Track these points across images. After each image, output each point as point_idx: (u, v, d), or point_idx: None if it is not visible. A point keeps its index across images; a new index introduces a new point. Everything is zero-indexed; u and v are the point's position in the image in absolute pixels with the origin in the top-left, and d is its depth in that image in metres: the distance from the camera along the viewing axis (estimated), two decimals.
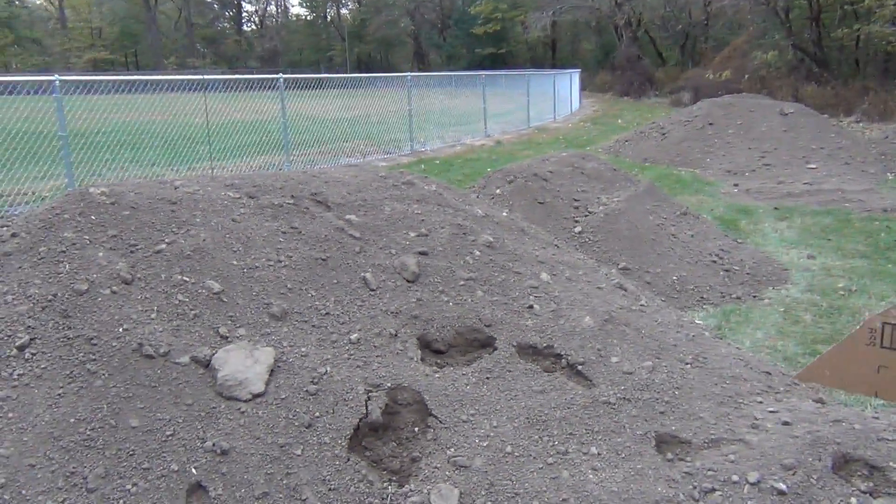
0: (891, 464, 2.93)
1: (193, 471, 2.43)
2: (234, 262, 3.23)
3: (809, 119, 15.28)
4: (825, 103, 22.12)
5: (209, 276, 3.11)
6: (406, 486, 2.63)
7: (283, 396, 2.73)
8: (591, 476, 2.77)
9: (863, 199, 10.35)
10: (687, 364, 3.63)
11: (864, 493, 2.78)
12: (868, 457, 2.95)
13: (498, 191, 7.20)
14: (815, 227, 8.76)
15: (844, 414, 3.59)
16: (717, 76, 30.70)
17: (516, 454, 2.81)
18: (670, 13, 43.70)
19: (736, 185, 12.18)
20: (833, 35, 26.87)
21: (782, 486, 2.71)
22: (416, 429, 2.88)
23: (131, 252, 3.12)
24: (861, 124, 21.08)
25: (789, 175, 12.61)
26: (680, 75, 37.12)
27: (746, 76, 29.45)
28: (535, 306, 3.69)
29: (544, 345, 3.45)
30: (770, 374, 3.91)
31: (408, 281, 3.56)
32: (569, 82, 31.33)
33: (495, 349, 3.37)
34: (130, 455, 2.43)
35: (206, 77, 11.89)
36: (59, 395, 2.54)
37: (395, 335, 3.24)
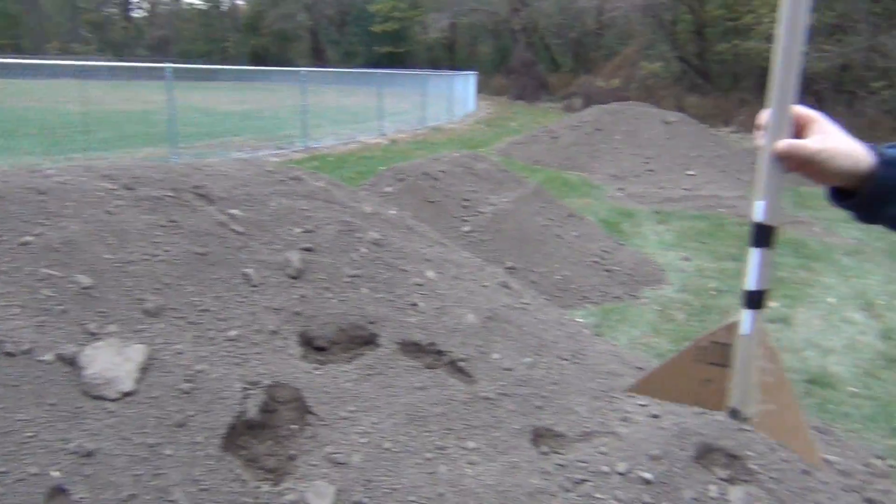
0: (748, 452, 3.12)
1: (55, 473, 2.32)
2: (107, 256, 3.10)
3: (690, 128, 16.03)
4: (706, 113, 23.25)
5: (79, 270, 2.98)
6: (282, 484, 2.60)
7: (155, 395, 2.64)
8: (468, 470, 2.82)
9: (736, 206, 10.95)
10: (565, 360, 3.75)
11: (723, 480, 2.95)
12: (728, 446, 3.13)
13: (388, 189, 7.20)
14: (692, 231, 9.20)
15: None
16: (607, 83, 31.77)
17: (395, 450, 2.83)
18: (565, 21, 44.87)
19: (620, 189, 12.64)
20: (715, 49, 28.28)
21: (648, 476, 2.83)
22: (295, 426, 2.85)
23: None
24: (738, 134, 22.30)
25: (670, 181, 13.19)
26: (572, 81, 38.17)
27: (634, 85, 30.61)
28: (419, 304, 3.72)
29: (427, 342, 3.48)
30: (643, 369, 4.08)
31: (291, 277, 3.52)
32: (465, 84, 31.67)
33: (378, 346, 3.37)
34: None
35: (85, 63, 11.36)
36: None
37: (276, 332, 3.20)
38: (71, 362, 2.63)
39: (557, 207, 7.87)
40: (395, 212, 5.21)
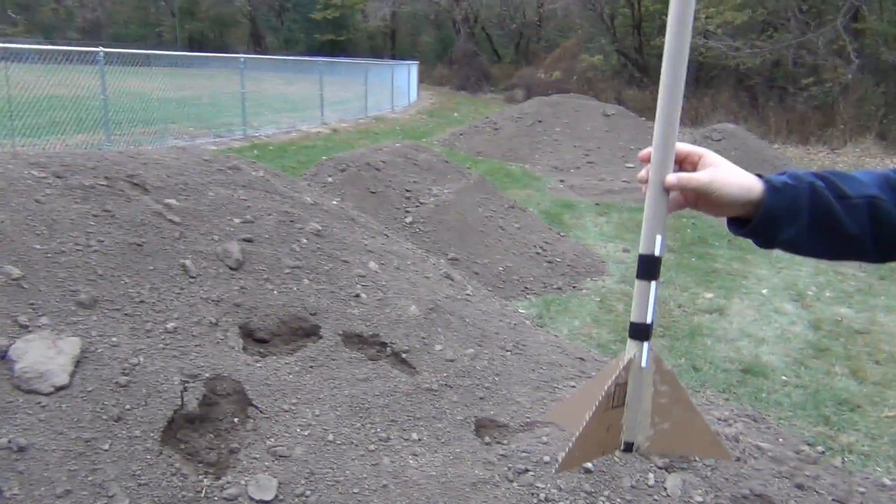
0: None
1: None
2: (37, 247, 3.00)
3: (629, 121, 16.30)
4: (644, 106, 23.66)
5: (7, 260, 2.88)
6: (223, 478, 2.56)
7: (90, 389, 2.57)
8: (411, 461, 2.83)
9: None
10: (507, 351, 3.78)
11: (661, 468, 3.02)
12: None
13: (330, 179, 7.14)
14: (631, 223, 9.36)
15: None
16: (548, 75, 32.07)
17: (338, 442, 2.81)
18: (506, 12, 45.09)
19: (562, 181, 12.78)
20: (653, 43, 28.82)
21: (589, 465, 2.88)
22: (236, 419, 2.81)
23: None
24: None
25: (610, 173, 13.39)
26: (514, 73, 38.41)
27: (575, 77, 30.97)
28: (361, 295, 3.70)
29: (370, 333, 3.47)
30: (584, 360, 4.15)
31: (231, 268, 3.46)
32: (407, 74, 31.56)
33: (320, 338, 3.35)
34: None
35: (10, 46, 10.94)
36: None
37: (216, 324, 3.14)
38: (1, 356, 2.54)
39: (499, 199, 7.91)
40: (336, 202, 5.17)
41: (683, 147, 1.19)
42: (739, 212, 1.19)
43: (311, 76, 21.96)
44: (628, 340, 1.20)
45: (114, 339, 2.80)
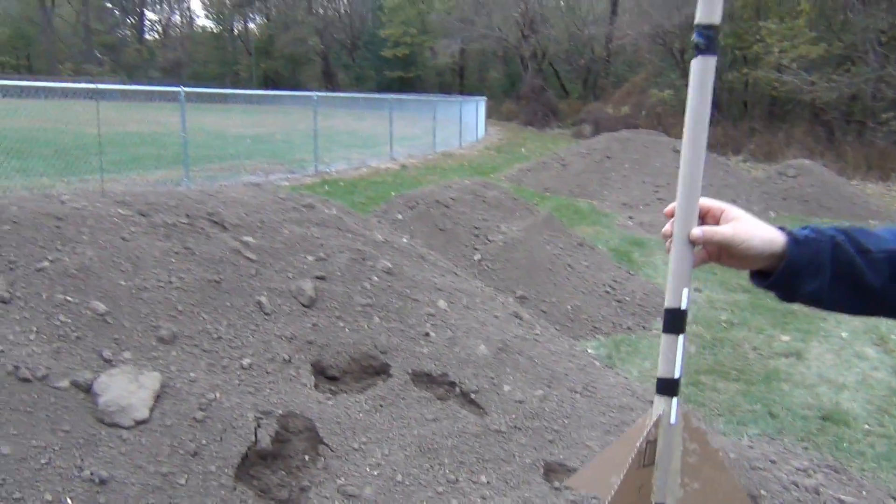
0: (762, 492, 3.09)
1: (69, 501, 2.32)
2: (122, 283, 3.12)
3: None
4: (715, 142, 23.30)
5: (94, 296, 3.00)
6: None
7: (169, 423, 2.64)
8: None
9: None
10: (577, 393, 3.73)
11: None
12: (744, 485, 3.09)
13: (399, 216, 7.23)
14: None
15: (722, 443, 3.76)
16: (616, 111, 31.93)
17: (407, 483, 2.81)
18: (574, 48, 45.23)
19: (630, 217, 12.64)
20: (724, 78, 28.41)
21: None
22: (307, 457, 2.84)
23: (11, 269, 2.97)
24: (747, 164, 22.33)
25: None
26: (582, 108, 38.38)
27: (644, 112, 30.74)
28: (431, 333, 3.72)
29: (439, 372, 3.48)
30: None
31: (304, 305, 3.52)
32: (475, 109, 31.85)
33: (390, 376, 3.37)
34: (0, 485, 2.30)
35: (99, 87, 11.47)
36: None
37: (289, 360, 3.20)
38: (86, 389, 2.64)
39: (568, 236, 7.87)
40: (406, 240, 5.23)
41: (706, 202, 1.22)
42: (762, 264, 1.19)
43: (380, 112, 22.38)
44: (656, 396, 1.19)
45: (192, 374, 2.88)
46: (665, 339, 1.16)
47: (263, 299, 3.42)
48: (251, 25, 72.19)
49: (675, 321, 1.15)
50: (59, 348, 2.75)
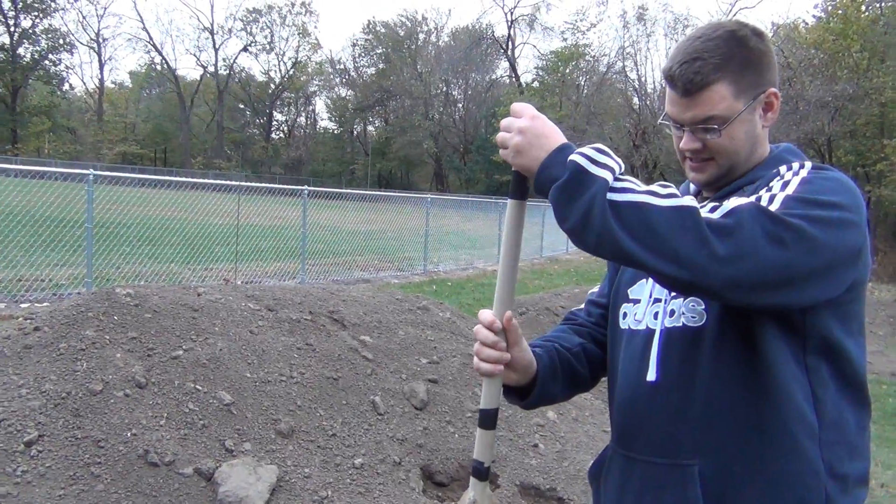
0: None
1: None
2: (248, 375, 3.26)
3: None
4: None
5: (222, 386, 3.14)
6: None
7: None
8: None
9: (871, 362, 10.31)
10: None
11: None
12: None
13: None
14: None
15: None
16: None
17: None
18: None
19: None
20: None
21: None
22: None
23: (148, 356, 3.16)
24: (870, 284, 21.24)
25: None
26: None
27: None
28: (539, 445, 3.67)
29: (547, 486, 3.41)
30: None
31: (416, 408, 3.57)
32: None
33: (497, 486, 3.33)
34: None
35: (238, 184, 12.24)
36: (59, 495, 2.53)
37: (399, 463, 3.22)
38: (208, 477, 2.74)
39: None
40: None
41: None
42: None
43: (489, 214, 22.73)
44: (471, 479, 1.36)
45: (306, 469, 2.94)
46: (480, 433, 1.35)
47: (378, 399, 3.48)
48: (370, 128, 75.71)
49: (487, 420, 1.34)
50: (185, 435, 2.88)
